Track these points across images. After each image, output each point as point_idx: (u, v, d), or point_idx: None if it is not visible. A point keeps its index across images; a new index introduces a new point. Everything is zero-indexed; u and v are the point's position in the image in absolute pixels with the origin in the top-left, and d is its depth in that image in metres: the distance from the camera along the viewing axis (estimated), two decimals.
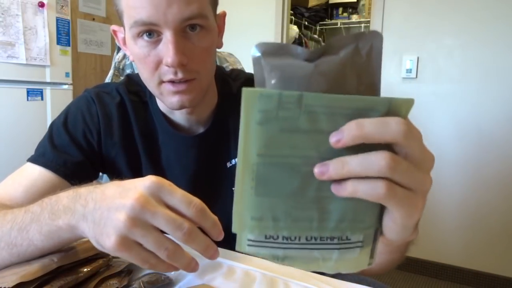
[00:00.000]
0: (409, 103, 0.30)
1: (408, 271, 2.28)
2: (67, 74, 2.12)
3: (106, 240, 0.37)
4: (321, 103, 0.29)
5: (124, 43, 0.65)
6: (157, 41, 0.57)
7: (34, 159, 0.66)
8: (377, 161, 0.28)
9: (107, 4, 2.68)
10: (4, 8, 1.81)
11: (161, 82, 0.60)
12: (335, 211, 0.31)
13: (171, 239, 0.37)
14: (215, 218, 0.39)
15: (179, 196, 0.37)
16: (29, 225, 0.44)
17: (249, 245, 0.32)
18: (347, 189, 0.29)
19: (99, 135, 0.69)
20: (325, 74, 0.30)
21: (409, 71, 2.17)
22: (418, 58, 2.15)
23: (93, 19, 2.61)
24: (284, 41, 2.55)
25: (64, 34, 2.09)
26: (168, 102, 0.61)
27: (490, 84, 2.01)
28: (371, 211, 0.32)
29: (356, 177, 0.29)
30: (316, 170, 0.29)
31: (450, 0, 2.05)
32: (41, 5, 1.94)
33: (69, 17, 2.11)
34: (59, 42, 2.06)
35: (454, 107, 2.10)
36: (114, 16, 2.73)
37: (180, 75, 0.57)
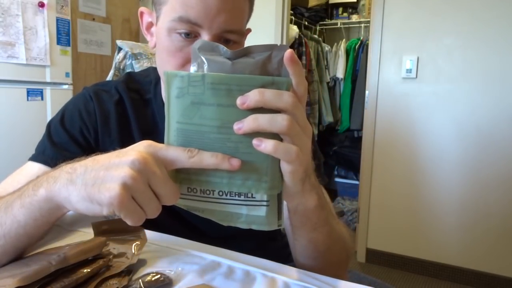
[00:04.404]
0: (288, 82, 0.38)
1: (408, 271, 2.28)
2: (67, 74, 2.13)
3: (105, 193, 0.36)
4: (220, 81, 0.36)
5: (148, 28, 0.65)
6: (193, 41, 0.57)
7: (34, 157, 0.66)
8: (280, 120, 0.36)
9: (107, 4, 2.68)
10: (4, 8, 1.81)
11: None
12: (241, 172, 0.38)
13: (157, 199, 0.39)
14: (212, 153, 0.37)
15: (172, 150, 0.38)
16: (14, 201, 0.44)
17: (180, 197, 0.40)
18: (268, 147, 0.36)
19: (96, 133, 0.69)
20: (239, 71, 0.38)
21: (409, 71, 2.17)
22: (418, 58, 2.15)
23: (93, 19, 2.61)
24: (284, 41, 2.55)
25: (64, 34, 2.09)
26: None
27: (490, 84, 2.01)
28: (271, 172, 0.39)
29: (262, 131, 0.36)
30: (235, 127, 0.36)
31: (450, 0, 2.05)
32: (41, 5, 1.94)
33: (69, 17, 2.11)
34: (59, 42, 2.06)
35: (454, 107, 2.10)
36: (114, 16, 2.73)
37: None
